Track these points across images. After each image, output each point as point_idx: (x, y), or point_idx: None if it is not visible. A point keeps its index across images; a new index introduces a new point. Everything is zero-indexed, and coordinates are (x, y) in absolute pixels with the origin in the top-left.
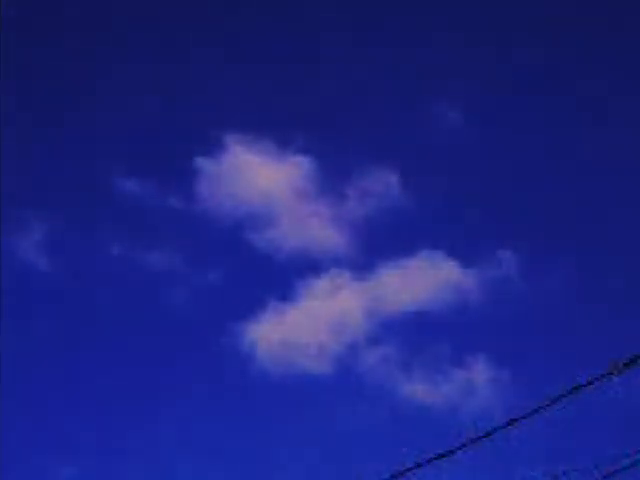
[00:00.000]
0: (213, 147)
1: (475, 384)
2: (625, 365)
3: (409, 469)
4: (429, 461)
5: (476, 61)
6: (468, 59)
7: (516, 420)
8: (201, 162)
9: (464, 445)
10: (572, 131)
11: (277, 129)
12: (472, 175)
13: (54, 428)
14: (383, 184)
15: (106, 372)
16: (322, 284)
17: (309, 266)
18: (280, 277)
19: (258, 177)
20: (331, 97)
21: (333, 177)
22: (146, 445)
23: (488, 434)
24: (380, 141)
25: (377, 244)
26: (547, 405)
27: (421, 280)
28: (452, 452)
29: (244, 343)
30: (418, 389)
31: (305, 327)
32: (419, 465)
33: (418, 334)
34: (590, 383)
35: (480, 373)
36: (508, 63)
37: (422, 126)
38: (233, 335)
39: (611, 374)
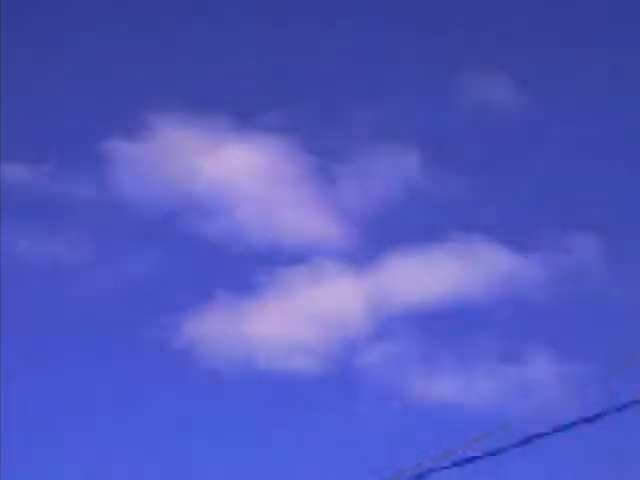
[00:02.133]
0: (134, 129)
1: (527, 381)
2: None
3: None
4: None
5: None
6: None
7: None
8: (116, 145)
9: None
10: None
11: (233, 105)
12: (508, 153)
13: None
14: (394, 164)
15: (17, 375)
16: (300, 275)
17: (281, 256)
18: (237, 267)
19: (202, 161)
20: (311, 60)
21: (319, 159)
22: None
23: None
24: (389, 115)
25: (383, 232)
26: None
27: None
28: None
29: (183, 339)
30: (444, 388)
31: (272, 321)
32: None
33: (446, 326)
34: None
35: (536, 368)
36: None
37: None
38: (167, 330)
39: None
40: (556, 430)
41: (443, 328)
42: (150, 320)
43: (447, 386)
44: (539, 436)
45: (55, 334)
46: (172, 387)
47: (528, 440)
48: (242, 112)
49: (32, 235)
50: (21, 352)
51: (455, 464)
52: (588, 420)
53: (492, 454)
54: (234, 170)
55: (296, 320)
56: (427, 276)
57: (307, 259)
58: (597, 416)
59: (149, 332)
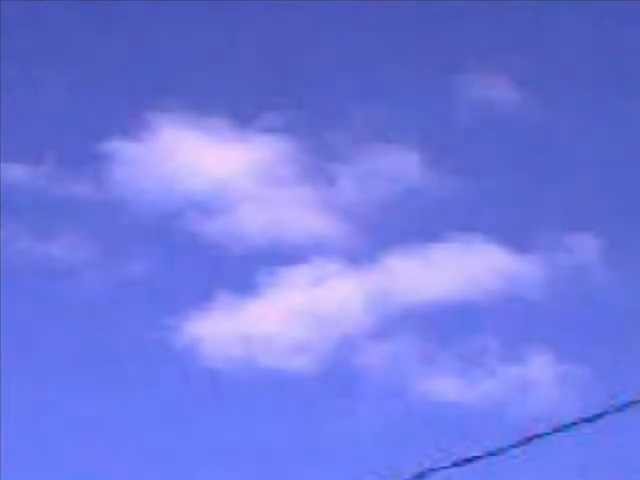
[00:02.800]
0: (134, 128)
1: (527, 381)
2: None
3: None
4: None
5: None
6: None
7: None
8: (116, 145)
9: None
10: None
11: (233, 105)
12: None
13: None
14: (395, 164)
15: (20, 378)
16: (300, 275)
17: (281, 255)
18: (237, 267)
19: (202, 161)
20: (310, 60)
21: (319, 158)
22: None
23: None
24: (389, 115)
25: (383, 231)
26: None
27: (449, 269)
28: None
29: (184, 339)
30: (439, 387)
31: (272, 320)
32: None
33: (445, 326)
34: None
35: (535, 368)
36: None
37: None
38: (169, 330)
39: None
40: (556, 430)
41: (443, 328)
42: (150, 320)
43: (446, 386)
44: (539, 436)
45: (55, 334)
46: (172, 387)
47: (528, 440)
48: (242, 112)
49: (32, 235)
50: (21, 352)
51: (455, 464)
52: (588, 420)
53: (492, 454)
54: (234, 170)
55: (296, 319)
56: (427, 276)
57: (307, 259)
58: (597, 416)
59: (149, 332)
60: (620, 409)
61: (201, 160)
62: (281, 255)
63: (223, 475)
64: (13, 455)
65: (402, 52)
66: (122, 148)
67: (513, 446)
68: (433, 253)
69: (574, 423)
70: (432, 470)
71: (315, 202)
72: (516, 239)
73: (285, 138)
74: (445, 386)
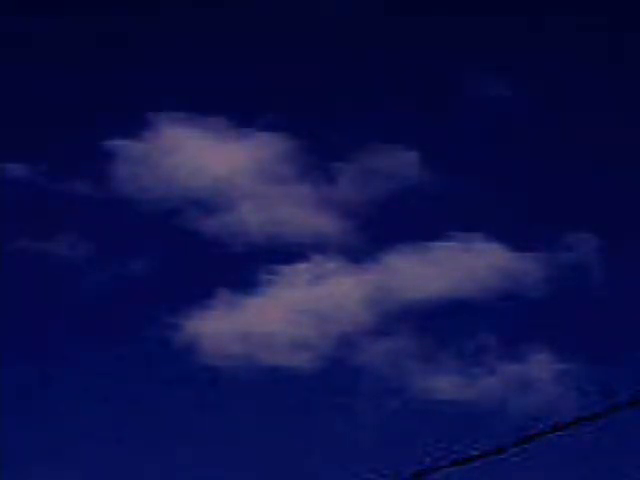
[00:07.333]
0: (135, 127)
1: (526, 379)
2: None
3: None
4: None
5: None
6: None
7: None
8: (117, 144)
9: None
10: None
11: (233, 104)
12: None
13: None
14: (395, 163)
15: (19, 374)
16: (300, 272)
17: (282, 253)
18: (237, 265)
19: (202, 159)
20: (310, 59)
21: (319, 157)
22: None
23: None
24: (389, 115)
25: (383, 228)
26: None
27: (450, 266)
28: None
29: (184, 337)
30: (439, 385)
31: (272, 318)
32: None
33: (444, 324)
34: None
35: (534, 366)
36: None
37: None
38: (169, 328)
39: None
40: (556, 429)
41: (442, 325)
42: (151, 318)
43: (446, 383)
44: (539, 435)
45: (55, 332)
46: (173, 384)
47: (528, 439)
48: (242, 111)
49: (32, 234)
50: (21, 351)
51: (455, 463)
52: (588, 419)
53: (492, 453)
54: (234, 168)
55: (296, 317)
56: (426, 273)
57: (307, 256)
58: (597, 415)
59: (150, 330)
60: (620, 409)
61: (202, 158)
62: (281, 253)
63: (223, 472)
64: (13, 454)
65: (402, 52)
66: (123, 146)
67: (513, 445)
68: (433, 251)
69: (573, 422)
70: (432, 469)
71: (315, 200)
72: (516, 237)
73: (285, 136)
74: (444, 384)
